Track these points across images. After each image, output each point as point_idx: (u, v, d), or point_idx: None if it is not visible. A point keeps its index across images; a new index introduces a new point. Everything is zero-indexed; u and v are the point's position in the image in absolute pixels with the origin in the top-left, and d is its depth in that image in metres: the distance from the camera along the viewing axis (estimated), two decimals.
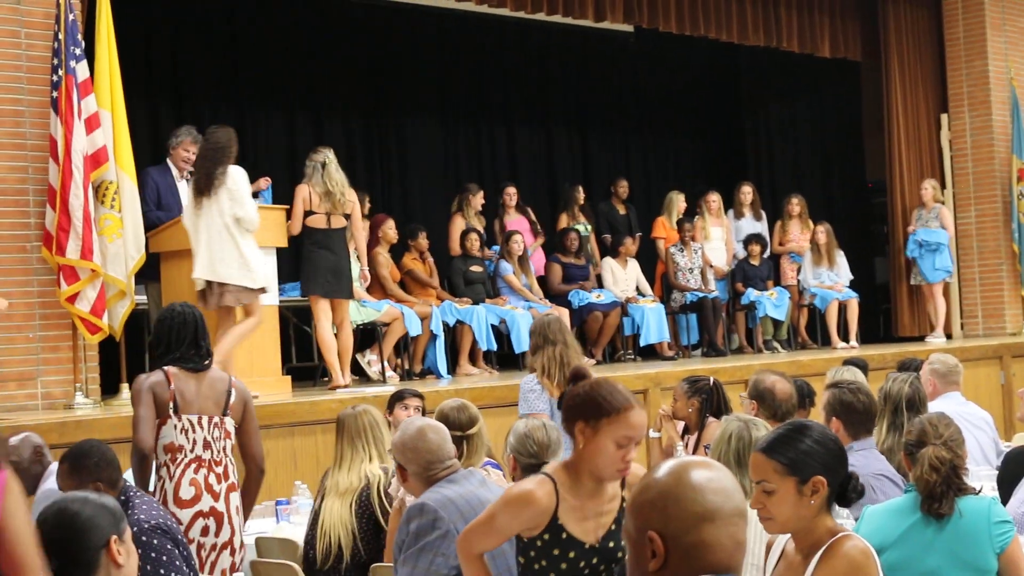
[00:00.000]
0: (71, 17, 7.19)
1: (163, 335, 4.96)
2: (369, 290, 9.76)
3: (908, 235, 12.46)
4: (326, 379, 8.60)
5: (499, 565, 3.97)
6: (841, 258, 12.18)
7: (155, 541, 4.08)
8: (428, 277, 10.36)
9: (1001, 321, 12.63)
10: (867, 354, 9.59)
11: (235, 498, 4.94)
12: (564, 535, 3.28)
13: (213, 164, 7.03)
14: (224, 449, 4.92)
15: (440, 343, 9.82)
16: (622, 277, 11.54)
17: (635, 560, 2.05)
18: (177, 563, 4.12)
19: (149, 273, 7.87)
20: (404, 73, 11.94)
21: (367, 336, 9.61)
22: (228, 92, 11.09)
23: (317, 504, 5.02)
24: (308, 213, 8.23)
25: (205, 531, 4.80)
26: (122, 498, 4.19)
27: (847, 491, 3.11)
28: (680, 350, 11.57)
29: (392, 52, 11.84)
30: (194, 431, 4.85)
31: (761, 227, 12.41)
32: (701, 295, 11.44)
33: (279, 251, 8.31)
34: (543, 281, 11.22)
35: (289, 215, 8.27)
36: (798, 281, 12.28)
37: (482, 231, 10.92)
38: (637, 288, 11.59)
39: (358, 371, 9.43)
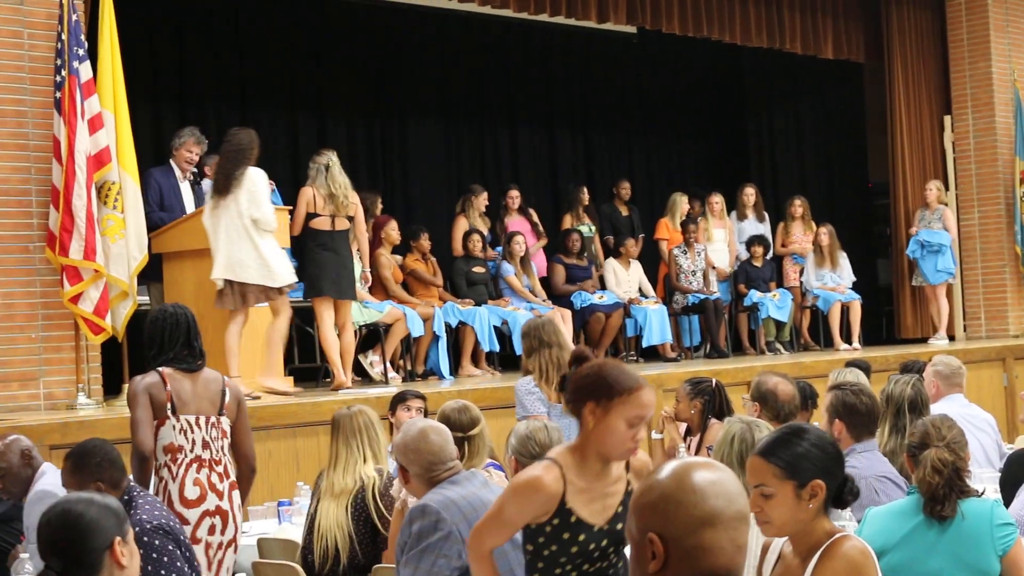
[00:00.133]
0: (74, 17, 7.19)
1: (156, 336, 4.95)
2: (371, 291, 9.76)
3: (910, 236, 12.45)
4: (328, 379, 8.61)
5: (501, 566, 3.96)
6: (844, 260, 12.18)
7: (156, 542, 4.08)
8: (431, 276, 10.37)
9: (1004, 323, 12.62)
10: (870, 356, 9.59)
11: (236, 496, 4.96)
12: (573, 518, 3.27)
13: (233, 165, 7.23)
14: (222, 448, 4.94)
15: (442, 344, 9.82)
16: (624, 278, 11.54)
17: (636, 559, 2.05)
18: (178, 564, 4.12)
19: (151, 274, 7.89)
20: (407, 74, 11.95)
21: (370, 337, 9.61)
22: (231, 93, 11.10)
23: (313, 507, 5.02)
24: (312, 215, 8.26)
25: (212, 530, 4.82)
26: (125, 498, 4.19)
27: (843, 493, 3.11)
28: (682, 351, 11.57)
29: (395, 53, 11.84)
30: (193, 431, 4.86)
31: (764, 228, 12.41)
32: (702, 297, 11.44)
33: None
34: (546, 282, 11.21)
35: (291, 216, 8.30)
36: (800, 283, 12.27)
37: (486, 232, 10.93)
38: (640, 289, 11.58)
39: (360, 372, 9.44)
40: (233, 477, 4.97)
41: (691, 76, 14.09)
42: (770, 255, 12.25)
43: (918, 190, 12.67)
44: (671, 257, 11.68)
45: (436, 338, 9.81)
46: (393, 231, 10.14)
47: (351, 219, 8.45)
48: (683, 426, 6.02)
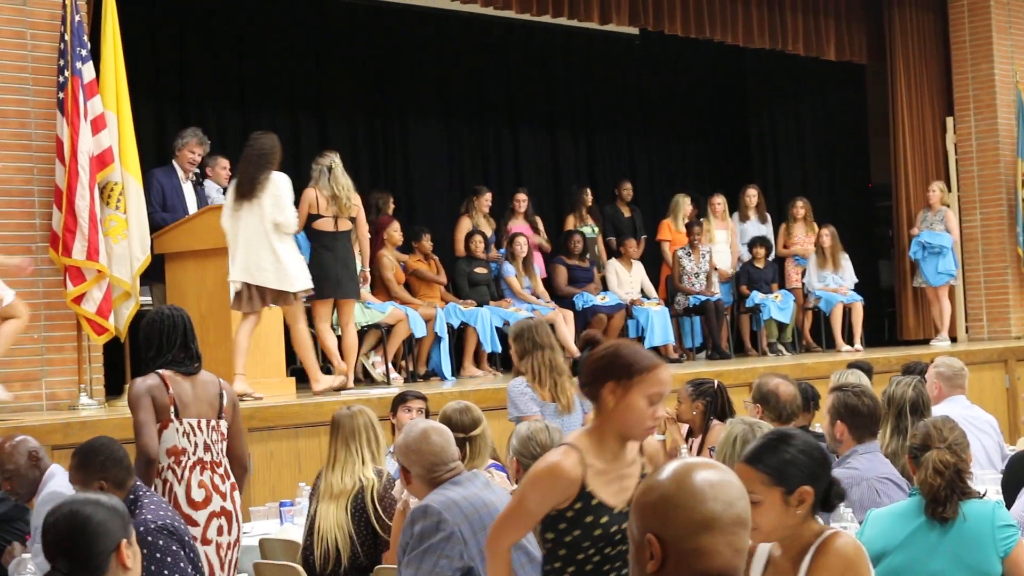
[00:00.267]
0: (77, 18, 7.20)
1: (153, 338, 4.93)
2: (374, 292, 9.77)
3: (911, 237, 12.45)
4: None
5: None
6: (846, 261, 12.18)
7: (161, 542, 4.08)
8: (435, 274, 10.38)
9: (1006, 325, 12.62)
10: (872, 357, 9.59)
11: (237, 496, 4.98)
12: (594, 501, 3.28)
13: (257, 169, 7.32)
14: (222, 451, 4.95)
15: (444, 345, 9.83)
16: (627, 279, 11.54)
17: (635, 558, 2.06)
18: (182, 564, 4.12)
19: (153, 274, 7.89)
20: (409, 75, 11.95)
21: (372, 338, 9.61)
22: (233, 94, 11.10)
23: (312, 508, 5.02)
24: (314, 216, 8.28)
25: (220, 531, 4.84)
26: (131, 497, 4.20)
27: (830, 497, 3.11)
28: (684, 353, 11.57)
29: (397, 54, 11.84)
30: (195, 434, 4.86)
31: (766, 230, 12.41)
32: (703, 298, 11.44)
33: None
34: (548, 283, 11.21)
35: None
36: (803, 284, 12.27)
37: (489, 233, 10.94)
38: (642, 290, 11.59)
39: (362, 373, 9.45)
40: (233, 478, 4.98)
41: (693, 77, 14.09)
42: (772, 256, 12.25)
43: (920, 192, 12.67)
44: (675, 258, 11.68)
45: (438, 339, 9.82)
46: (395, 232, 10.15)
47: (353, 220, 8.48)
48: (685, 427, 6.02)
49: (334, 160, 8.34)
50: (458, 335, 10.16)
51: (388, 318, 9.47)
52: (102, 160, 7.21)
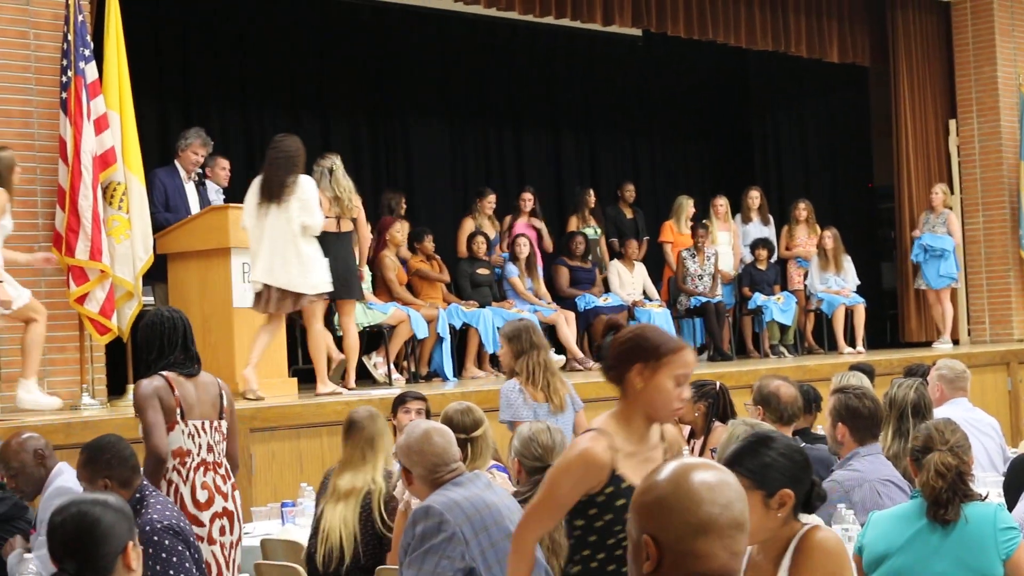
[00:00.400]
0: (80, 18, 7.21)
1: (154, 340, 4.92)
2: (376, 293, 9.78)
3: (914, 239, 12.45)
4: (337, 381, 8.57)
5: (504, 568, 3.97)
6: (848, 263, 12.17)
7: (166, 542, 4.09)
8: (438, 273, 10.38)
9: (1008, 327, 12.62)
10: (874, 359, 9.59)
11: (238, 496, 4.99)
12: (624, 484, 3.28)
13: (285, 172, 7.39)
14: (223, 451, 4.96)
15: (446, 346, 9.83)
16: (629, 280, 11.55)
17: (633, 557, 2.06)
18: (187, 565, 4.13)
19: (156, 274, 7.90)
20: (411, 76, 11.96)
21: (374, 339, 9.62)
22: (236, 94, 11.12)
23: (320, 507, 5.02)
24: None
25: (223, 531, 4.86)
26: (137, 496, 4.20)
27: (811, 498, 3.12)
28: None
29: (399, 54, 11.85)
30: (199, 436, 4.87)
31: (768, 232, 12.40)
32: (704, 299, 11.44)
33: None
34: (550, 284, 11.21)
35: None
36: (805, 286, 12.27)
37: (493, 234, 10.94)
38: (644, 292, 11.59)
39: (364, 374, 9.45)
40: (233, 478, 4.99)
41: (696, 79, 14.09)
42: (774, 258, 12.25)
43: (923, 194, 12.67)
44: (679, 260, 11.68)
45: (440, 340, 9.82)
46: (398, 233, 10.15)
47: (354, 221, 8.50)
48: (687, 429, 6.02)
49: (335, 162, 8.39)
50: (460, 336, 10.16)
51: (390, 319, 9.48)
52: (105, 160, 7.22)
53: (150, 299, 8.14)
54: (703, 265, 11.61)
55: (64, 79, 7.18)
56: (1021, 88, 12.68)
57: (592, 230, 11.67)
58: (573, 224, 11.70)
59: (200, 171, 8.77)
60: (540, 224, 11.47)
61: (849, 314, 12.02)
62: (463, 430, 4.78)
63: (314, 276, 7.49)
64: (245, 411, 6.93)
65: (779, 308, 11.87)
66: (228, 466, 4.98)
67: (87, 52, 7.19)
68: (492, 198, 11.13)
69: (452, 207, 11.91)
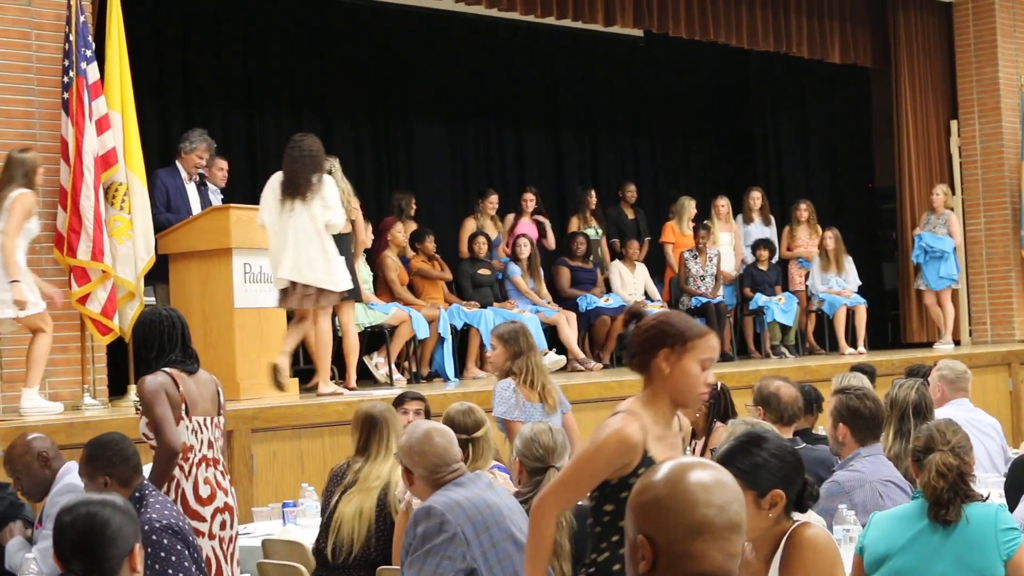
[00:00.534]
0: (82, 19, 7.21)
1: (154, 338, 4.94)
2: (377, 293, 9.79)
3: (914, 238, 12.44)
4: (338, 381, 8.57)
5: (506, 569, 3.97)
6: (849, 264, 12.17)
7: (165, 541, 4.10)
8: (440, 271, 10.39)
9: (1010, 328, 12.61)
10: (875, 360, 9.59)
11: (234, 492, 5.01)
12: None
13: (310, 170, 7.49)
14: (222, 447, 5.00)
15: (448, 346, 9.83)
16: (630, 281, 11.55)
17: (629, 556, 2.06)
18: (186, 564, 4.13)
19: (157, 275, 7.90)
20: (412, 76, 11.96)
21: (375, 339, 9.62)
22: (237, 94, 11.12)
23: (336, 497, 5.01)
24: None
25: (223, 526, 4.89)
26: (136, 495, 4.21)
27: (803, 498, 3.11)
28: None
29: (400, 55, 11.85)
30: (201, 432, 4.91)
31: (770, 232, 12.40)
32: (705, 300, 11.45)
33: None
34: (551, 285, 11.22)
35: None
36: (806, 286, 12.27)
37: (495, 235, 10.94)
38: (645, 292, 11.59)
39: (366, 374, 9.45)
40: (229, 475, 5.03)
41: (697, 79, 14.09)
42: (776, 259, 12.25)
43: (924, 194, 12.66)
44: (681, 261, 11.68)
45: (441, 340, 9.82)
46: (399, 233, 10.16)
47: (352, 223, 8.53)
48: (688, 429, 6.02)
49: (334, 164, 8.41)
50: (461, 336, 10.16)
51: (391, 319, 9.48)
52: (106, 160, 7.23)
53: (151, 299, 8.15)
54: (705, 266, 11.61)
55: (66, 80, 7.18)
56: (1022, 89, 12.68)
57: (593, 230, 11.67)
58: (574, 224, 11.70)
59: (200, 172, 8.77)
60: (543, 220, 11.47)
61: (850, 315, 12.02)
62: (464, 430, 4.78)
63: (338, 274, 7.60)
64: (246, 411, 6.93)
65: (780, 309, 11.87)
66: (224, 462, 5.02)
67: (89, 53, 7.20)
68: (494, 198, 11.14)
69: (452, 207, 11.91)
